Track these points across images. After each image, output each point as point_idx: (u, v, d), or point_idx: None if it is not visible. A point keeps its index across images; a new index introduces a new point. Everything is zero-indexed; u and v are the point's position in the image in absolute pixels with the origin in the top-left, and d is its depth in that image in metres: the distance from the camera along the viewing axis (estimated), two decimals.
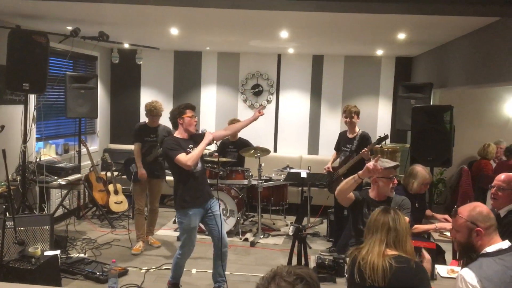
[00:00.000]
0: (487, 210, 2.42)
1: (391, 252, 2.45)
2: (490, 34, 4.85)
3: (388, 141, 7.77)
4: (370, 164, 3.52)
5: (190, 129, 4.32)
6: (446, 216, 4.26)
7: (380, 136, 5.32)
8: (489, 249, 2.34)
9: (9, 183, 4.59)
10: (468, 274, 2.25)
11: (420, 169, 4.32)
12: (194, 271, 5.07)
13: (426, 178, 4.27)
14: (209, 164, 6.38)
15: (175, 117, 4.35)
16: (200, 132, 4.43)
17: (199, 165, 4.31)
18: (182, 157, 4.11)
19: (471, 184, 6.72)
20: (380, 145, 5.73)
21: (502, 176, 3.53)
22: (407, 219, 3.57)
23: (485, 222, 2.37)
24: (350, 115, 5.65)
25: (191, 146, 4.29)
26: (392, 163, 3.76)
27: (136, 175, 5.62)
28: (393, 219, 2.52)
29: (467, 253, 2.43)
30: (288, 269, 1.53)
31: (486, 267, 2.26)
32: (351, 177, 3.60)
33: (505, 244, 2.36)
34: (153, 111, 5.56)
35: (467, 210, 2.43)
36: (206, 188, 4.38)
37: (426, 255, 2.97)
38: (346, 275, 2.69)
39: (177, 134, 4.36)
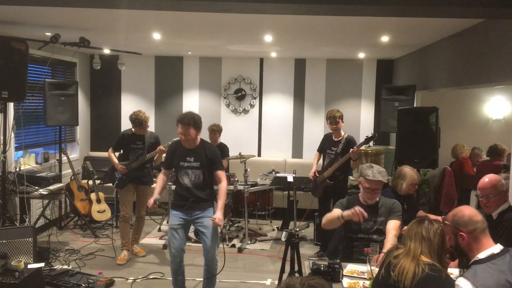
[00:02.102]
0: (470, 213, 2.40)
1: (426, 259, 2.44)
2: (472, 36, 4.91)
3: (371, 143, 7.86)
4: (357, 209, 3.43)
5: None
6: (439, 218, 4.27)
7: (367, 136, 5.33)
8: (481, 255, 2.33)
9: None
10: (464, 283, 2.23)
11: (408, 170, 4.34)
12: None
13: (414, 179, 4.29)
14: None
15: None
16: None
17: (188, 179, 4.22)
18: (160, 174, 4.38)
19: (454, 184, 6.80)
20: (368, 145, 5.73)
21: (486, 180, 3.51)
22: (398, 221, 3.59)
23: (467, 226, 2.36)
24: (335, 120, 5.62)
25: (191, 159, 4.21)
26: (373, 175, 3.70)
27: (121, 181, 5.50)
28: (427, 230, 2.51)
29: (459, 257, 2.46)
30: (301, 281, 1.48)
31: (481, 273, 2.25)
32: (335, 215, 3.57)
33: (497, 248, 2.35)
34: (143, 124, 5.47)
35: (451, 214, 2.46)
36: (194, 203, 4.21)
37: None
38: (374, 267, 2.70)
39: None
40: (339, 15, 3.01)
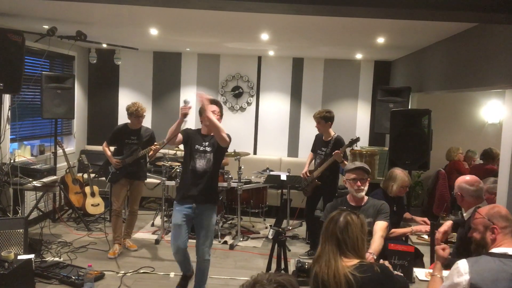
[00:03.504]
0: (506, 211, 2.53)
1: (350, 262, 2.34)
2: (467, 40, 4.92)
3: (366, 144, 7.89)
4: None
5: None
6: (425, 219, 4.31)
7: (352, 139, 5.38)
8: (495, 250, 2.42)
9: None
10: (462, 264, 2.35)
11: (399, 172, 4.36)
12: (172, 274, 5.01)
13: (405, 181, 4.32)
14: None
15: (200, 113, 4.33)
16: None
17: (202, 162, 4.19)
18: None
19: (447, 187, 6.82)
20: (352, 147, 5.77)
21: (466, 178, 3.59)
22: (385, 223, 3.61)
23: (502, 222, 2.48)
24: (318, 121, 5.70)
25: (205, 144, 4.23)
26: (354, 165, 3.77)
27: (114, 176, 5.53)
28: (341, 230, 2.39)
29: (479, 250, 2.53)
30: (268, 277, 1.50)
31: (483, 263, 2.35)
32: None
33: None
34: (139, 112, 5.50)
35: (486, 208, 2.57)
36: (204, 190, 4.19)
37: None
38: None
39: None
40: (330, 15, 3.02)
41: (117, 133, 5.64)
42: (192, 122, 8.06)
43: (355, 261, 2.33)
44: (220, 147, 4.24)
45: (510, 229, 2.46)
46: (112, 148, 5.69)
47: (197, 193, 4.18)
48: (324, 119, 5.65)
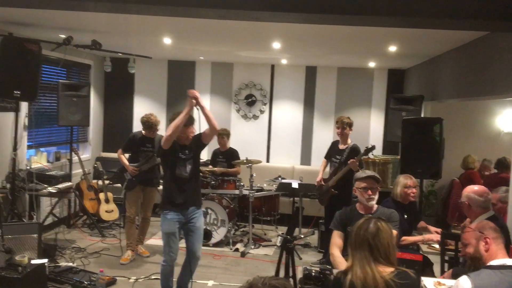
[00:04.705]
0: (493, 224, 2.60)
1: (386, 268, 2.32)
2: (479, 48, 4.90)
3: (380, 152, 7.85)
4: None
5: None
6: (438, 230, 4.28)
7: (367, 147, 5.35)
8: (494, 262, 2.44)
9: None
10: (464, 280, 2.35)
11: (402, 176, 4.43)
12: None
13: (405, 182, 4.33)
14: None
15: None
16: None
17: (187, 169, 4.25)
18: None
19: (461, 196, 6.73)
20: (367, 156, 5.75)
21: (474, 188, 3.61)
22: (394, 232, 3.59)
23: (492, 232, 2.52)
24: (342, 126, 5.66)
25: (186, 152, 4.27)
26: (365, 174, 3.76)
27: (130, 183, 5.59)
28: (373, 236, 2.36)
29: (475, 264, 2.55)
30: (263, 280, 1.52)
31: (484, 276, 2.35)
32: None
33: (510, 261, 2.44)
34: (152, 127, 5.57)
35: (474, 224, 2.67)
36: (191, 195, 4.27)
37: None
38: None
39: None
40: (338, 24, 3.05)
41: (132, 140, 5.71)
42: None
43: (391, 269, 2.32)
44: (197, 151, 4.36)
45: (501, 240, 2.50)
46: (126, 155, 5.76)
47: (186, 200, 4.24)
48: (349, 126, 5.68)
